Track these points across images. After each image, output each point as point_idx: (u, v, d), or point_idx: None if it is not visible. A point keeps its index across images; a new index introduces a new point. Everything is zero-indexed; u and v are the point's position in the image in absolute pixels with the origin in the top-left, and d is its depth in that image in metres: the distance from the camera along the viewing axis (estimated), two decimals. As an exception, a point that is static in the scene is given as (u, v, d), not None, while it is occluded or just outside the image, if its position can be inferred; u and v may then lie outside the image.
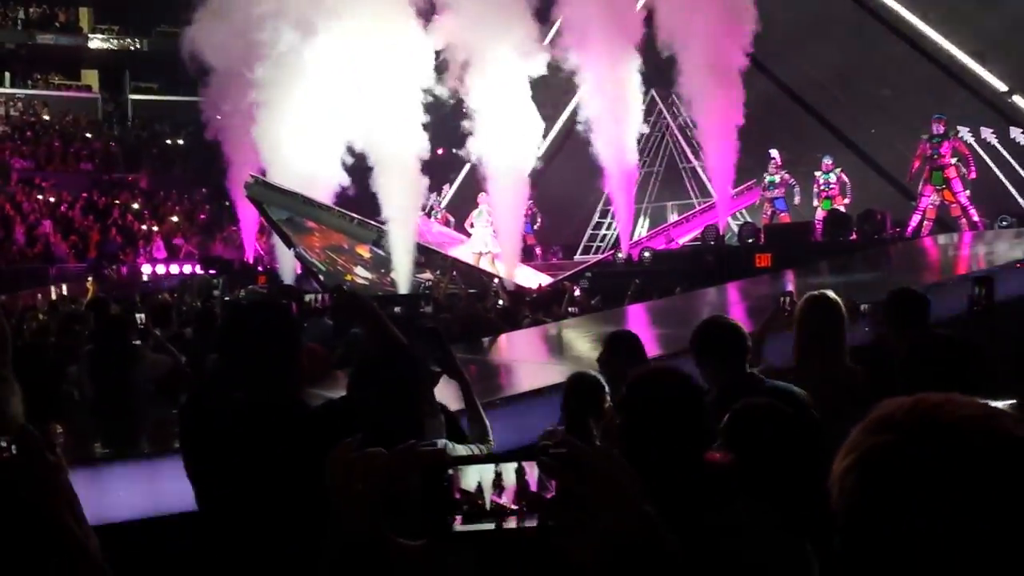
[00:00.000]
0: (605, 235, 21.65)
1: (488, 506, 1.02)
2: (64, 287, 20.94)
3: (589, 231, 21.89)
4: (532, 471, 1.02)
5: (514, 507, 1.02)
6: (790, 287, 8.15)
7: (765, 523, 2.13)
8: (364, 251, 18.01)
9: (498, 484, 1.02)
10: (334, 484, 1.12)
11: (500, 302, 11.91)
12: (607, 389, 3.81)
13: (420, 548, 1.20)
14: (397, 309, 11.99)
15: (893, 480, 0.96)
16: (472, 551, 1.08)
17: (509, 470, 1.03)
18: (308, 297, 9.88)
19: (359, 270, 17.94)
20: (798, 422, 2.34)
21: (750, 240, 16.07)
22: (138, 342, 6.48)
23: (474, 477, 1.03)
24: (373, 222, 17.89)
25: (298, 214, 18.24)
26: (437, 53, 17.51)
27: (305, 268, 18.44)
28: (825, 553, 2.21)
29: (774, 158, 18.96)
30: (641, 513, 1.00)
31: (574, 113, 21.20)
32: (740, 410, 2.36)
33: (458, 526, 1.02)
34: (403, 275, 16.86)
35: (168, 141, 34.05)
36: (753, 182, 19.11)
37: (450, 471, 1.04)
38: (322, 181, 18.77)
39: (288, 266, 19.91)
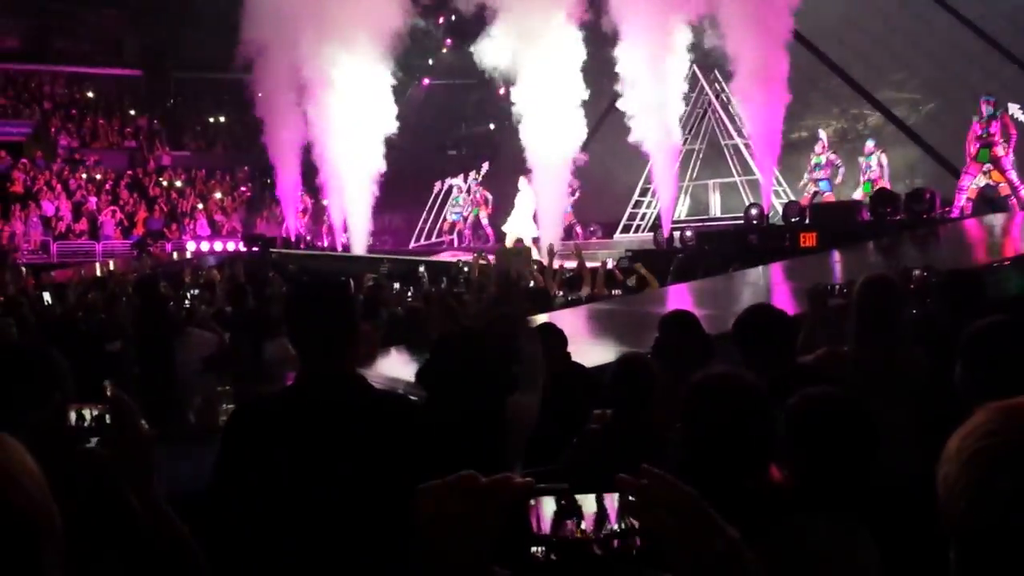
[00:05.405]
0: (645, 213, 21.31)
1: (569, 536, 0.98)
2: (111, 263, 21.23)
3: (629, 209, 21.56)
4: (612, 501, 0.99)
5: (595, 537, 0.98)
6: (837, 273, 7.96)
7: (830, 535, 2.08)
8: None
9: (577, 514, 0.99)
10: (430, 515, 1.01)
11: (532, 283, 11.81)
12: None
13: None
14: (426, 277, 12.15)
15: None
16: None
17: (588, 500, 0.99)
18: None
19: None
20: (858, 411, 2.26)
21: (795, 219, 15.79)
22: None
23: (551, 507, 0.99)
24: (381, 255, 18.16)
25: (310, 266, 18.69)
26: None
27: None
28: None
29: (821, 139, 18.65)
30: (728, 541, 0.96)
31: (615, 89, 20.94)
32: (798, 405, 2.29)
33: (540, 557, 0.98)
34: None
35: (211, 119, 34.27)
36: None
37: (531, 501, 0.99)
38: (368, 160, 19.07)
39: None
